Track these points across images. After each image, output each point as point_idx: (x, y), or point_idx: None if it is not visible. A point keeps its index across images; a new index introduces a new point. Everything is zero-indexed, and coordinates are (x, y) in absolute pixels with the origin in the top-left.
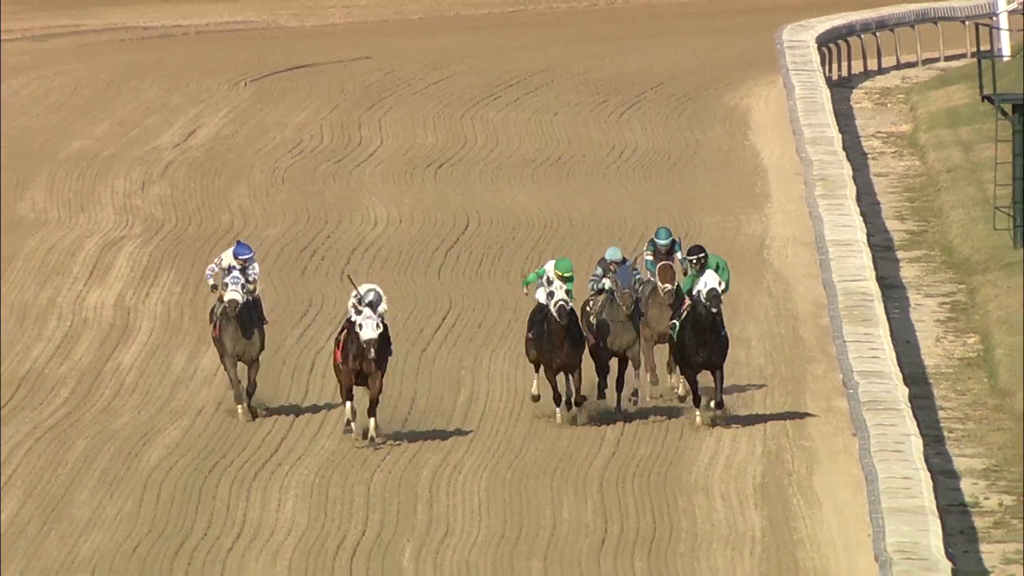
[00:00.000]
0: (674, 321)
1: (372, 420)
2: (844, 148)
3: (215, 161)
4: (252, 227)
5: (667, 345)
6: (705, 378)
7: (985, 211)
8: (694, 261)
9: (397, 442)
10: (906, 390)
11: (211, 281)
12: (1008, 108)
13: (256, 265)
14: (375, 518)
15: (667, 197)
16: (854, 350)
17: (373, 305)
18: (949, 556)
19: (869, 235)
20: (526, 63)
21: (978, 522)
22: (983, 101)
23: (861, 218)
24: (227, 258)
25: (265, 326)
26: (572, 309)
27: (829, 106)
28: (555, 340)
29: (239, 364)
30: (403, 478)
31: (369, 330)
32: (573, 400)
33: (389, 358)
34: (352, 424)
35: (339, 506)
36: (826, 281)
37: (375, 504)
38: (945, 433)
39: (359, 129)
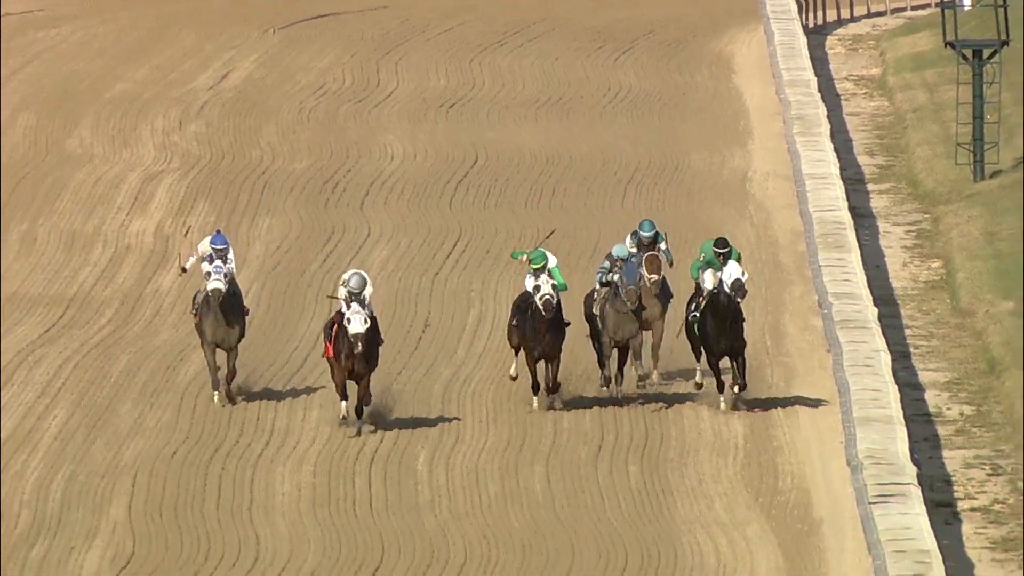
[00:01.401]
0: (694, 313)
1: (359, 420)
2: (819, 90)
3: (246, 102)
4: (280, 162)
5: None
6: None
7: (947, 147)
8: (720, 253)
9: (411, 359)
10: (875, 310)
11: (187, 265)
12: (968, 53)
13: (231, 255)
14: (392, 427)
15: (658, 135)
16: (828, 274)
17: (358, 292)
18: (914, 461)
19: (842, 169)
20: (530, 13)
21: (941, 430)
22: (946, 47)
23: (835, 154)
24: (204, 246)
25: (247, 316)
26: (558, 301)
27: (806, 51)
28: (538, 330)
29: (218, 352)
30: (417, 390)
31: (357, 324)
32: (550, 386)
33: (380, 347)
34: (347, 418)
35: None
36: (803, 211)
37: (392, 413)
38: (911, 349)
39: (377, 73)
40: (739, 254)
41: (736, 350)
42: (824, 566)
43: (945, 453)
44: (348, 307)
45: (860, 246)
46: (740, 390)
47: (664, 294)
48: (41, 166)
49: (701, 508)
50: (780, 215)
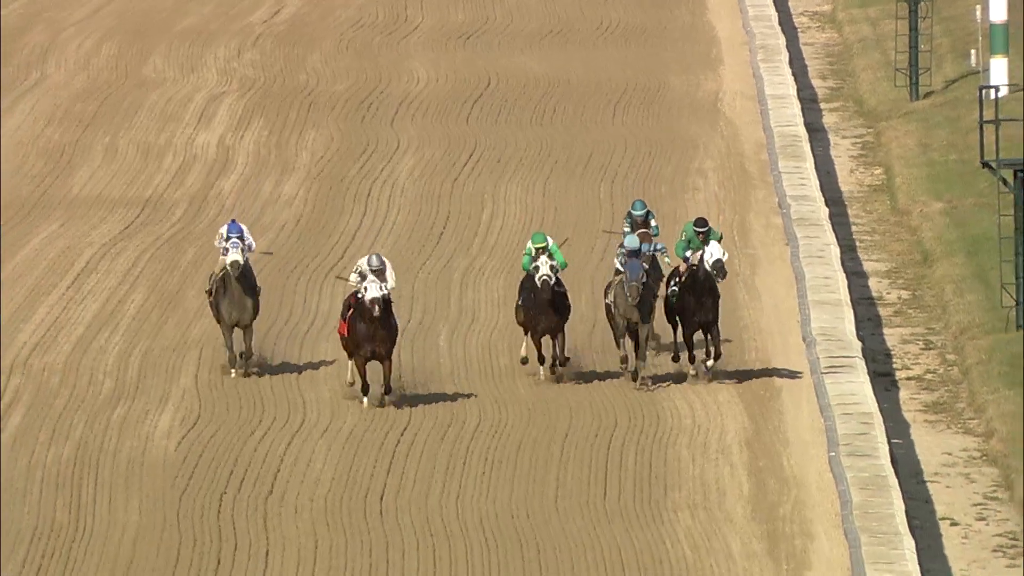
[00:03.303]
0: (673, 288)
1: (386, 397)
2: (779, 24)
3: (294, 34)
4: (323, 85)
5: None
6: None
7: (888, 72)
8: (700, 232)
9: (433, 252)
10: (827, 210)
11: (219, 245)
12: None
13: (250, 239)
14: (418, 309)
15: (643, 61)
16: (787, 179)
17: (380, 269)
18: (859, 337)
19: (798, 91)
20: None
21: (882, 312)
22: None
23: (792, 77)
24: (224, 232)
25: (259, 295)
26: (558, 281)
27: None
28: (540, 307)
29: (235, 330)
30: (439, 278)
31: (374, 290)
32: (558, 361)
33: (396, 337)
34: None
35: None
36: (765, 126)
37: (418, 298)
38: (856, 243)
39: (405, 9)
40: (720, 234)
41: (709, 323)
42: (783, 426)
43: (885, 331)
44: (364, 278)
45: (814, 156)
46: (715, 359)
47: (655, 270)
48: (121, 88)
49: (679, 378)
50: (746, 130)
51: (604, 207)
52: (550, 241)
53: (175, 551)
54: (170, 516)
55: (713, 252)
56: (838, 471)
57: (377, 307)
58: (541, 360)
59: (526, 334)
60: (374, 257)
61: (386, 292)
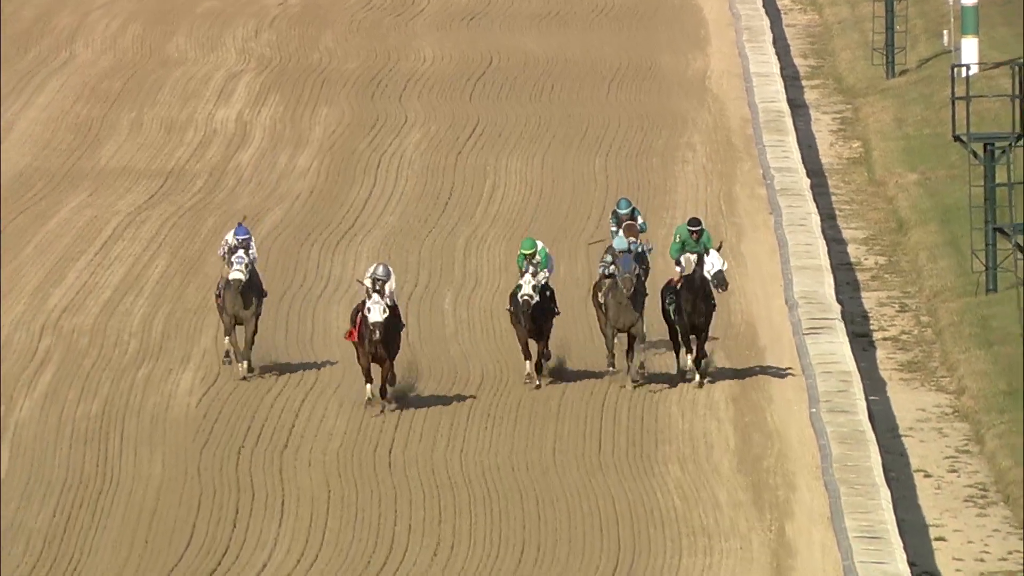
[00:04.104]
0: (671, 296)
1: (385, 402)
2: (764, 6)
3: (308, 15)
4: (335, 63)
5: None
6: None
7: (865, 52)
8: (693, 231)
9: (439, 221)
10: (808, 181)
11: (223, 254)
12: None
13: (253, 245)
14: (424, 273)
15: (636, 42)
16: (771, 152)
17: (382, 282)
18: (839, 300)
19: (781, 69)
20: None
21: (860, 276)
22: None
23: (776, 56)
24: (230, 238)
25: (263, 299)
26: (543, 296)
27: None
28: (525, 318)
29: (237, 327)
30: (444, 245)
31: (376, 314)
32: (542, 358)
33: (401, 333)
34: (371, 400)
35: (398, 265)
36: (750, 102)
37: (424, 263)
38: (836, 212)
39: None
40: (720, 243)
41: (699, 327)
42: (767, 384)
43: (863, 294)
44: (370, 297)
45: (796, 130)
46: (701, 357)
47: (641, 261)
48: (146, 66)
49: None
50: (732, 105)
51: (599, 179)
52: (539, 245)
53: (196, 501)
54: (191, 468)
55: (714, 263)
56: (819, 426)
57: (378, 332)
58: (527, 356)
59: (524, 347)
60: (380, 267)
61: (387, 314)
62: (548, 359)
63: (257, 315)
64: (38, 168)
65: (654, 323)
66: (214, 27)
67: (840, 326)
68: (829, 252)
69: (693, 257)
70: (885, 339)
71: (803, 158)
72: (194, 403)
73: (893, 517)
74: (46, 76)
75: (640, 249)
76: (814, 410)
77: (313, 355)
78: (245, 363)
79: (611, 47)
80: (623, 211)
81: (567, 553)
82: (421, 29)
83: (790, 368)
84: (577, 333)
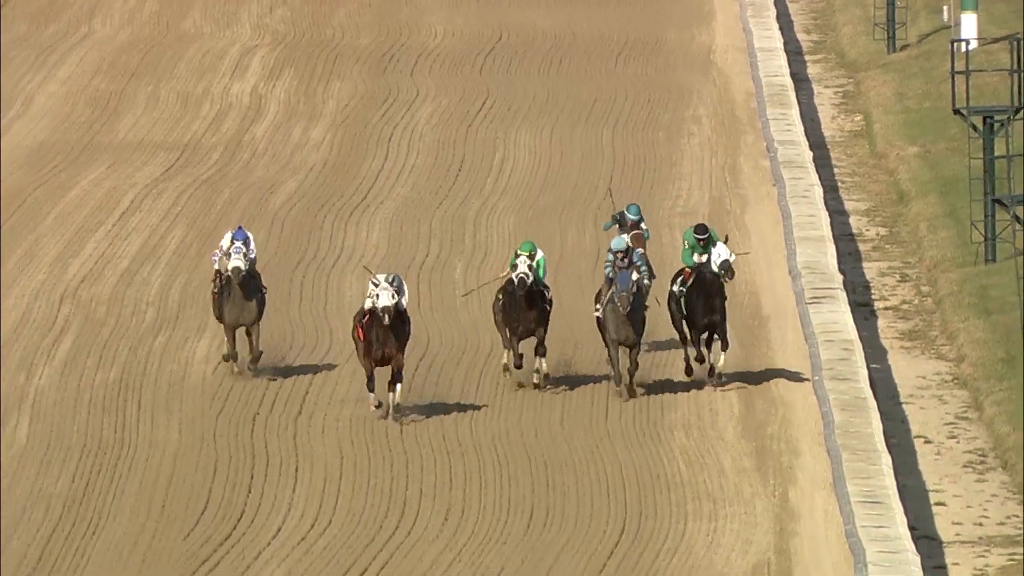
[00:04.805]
0: (681, 289)
1: (392, 394)
2: None
3: None
4: (348, 38)
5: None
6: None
7: (867, 27)
8: (700, 239)
9: (449, 193)
10: (811, 153)
11: (216, 265)
12: None
13: (253, 245)
14: (435, 244)
15: (642, 17)
16: (774, 125)
17: (396, 287)
18: (841, 270)
19: (785, 43)
20: None
21: (861, 247)
22: None
23: (779, 32)
24: (226, 241)
25: (264, 296)
26: (536, 282)
27: None
28: (519, 307)
29: (238, 332)
30: (454, 216)
31: (385, 298)
32: (537, 356)
33: (407, 341)
34: (379, 408)
35: (410, 235)
36: (754, 76)
37: (435, 234)
38: (838, 184)
39: None
40: (727, 236)
41: (715, 323)
42: (771, 352)
43: (864, 264)
44: (376, 285)
45: (799, 103)
46: (723, 348)
47: (648, 271)
48: (163, 42)
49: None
50: (737, 79)
51: (606, 151)
52: (540, 253)
53: (212, 467)
54: (207, 435)
55: (720, 253)
56: (821, 393)
57: (388, 315)
58: (519, 365)
59: (503, 337)
60: (396, 279)
61: (397, 300)
62: (544, 355)
63: (258, 315)
64: (57, 141)
65: (661, 326)
66: (229, 3)
67: (842, 295)
68: (831, 223)
69: (703, 256)
70: (886, 308)
71: (806, 131)
72: (210, 371)
73: (894, 482)
74: (65, 51)
75: (639, 264)
76: (816, 378)
77: (327, 324)
78: (245, 370)
79: (618, 22)
80: (632, 217)
81: (575, 517)
82: (432, 5)
83: (793, 336)
84: (585, 304)
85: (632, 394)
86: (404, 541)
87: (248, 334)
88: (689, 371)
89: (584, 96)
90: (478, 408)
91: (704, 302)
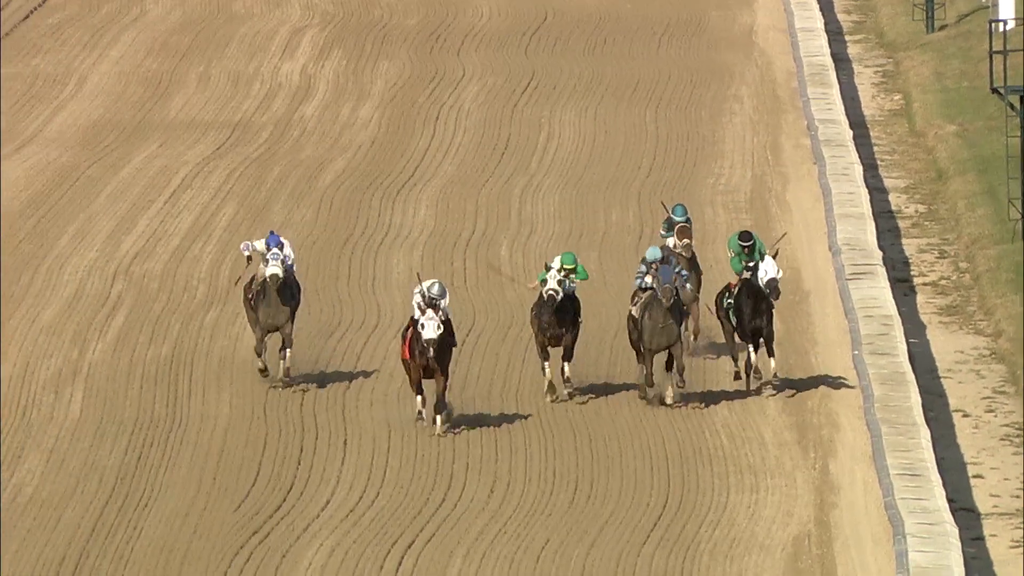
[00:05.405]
0: (730, 301)
1: (438, 417)
2: None
3: None
4: (396, 19)
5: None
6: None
7: (906, 7)
8: (744, 246)
9: (495, 171)
10: (851, 132)
11: (246, 253)
12: None
13: (289, 249)
14: (481, 221)
15: None
16: (815, 104)
17: (436, 301)
18: (880, 247)
19: (825, 24)
20: None
21: (900, 224)
22: None
23: (820, 12)
24: (260, 246)
25: (298, 301)
26: (568, 295)
27: None
28: (551, 320)
29: (269, 335)
30: (500, 193)
31: (430, 330)
32: (566, 377)
33: (453, 350)
34: (423, 413)
35: (457, 213)
36: (795, 56)
37: (481, 211)
38: (878, 162)
39: None
40: (764, 245)
41: (761, 328)
42: (811, 327)
43: (904, 241)
44: (423, 313)
45: (839, 83)
46: (769, 355)
47: (695, 267)
48: (213, 22)
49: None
50: (778, 59)
51: (649, 130)
52: (579, 263)
53: (262, 440)
54: (257, 409)
55: (768, 271)
56: (861, 368)
57: (431, 349)
58: (544, 359)
59: (540, 354)
60: (436, 286)
61: (441, 330)
62: (569, 360)
63: (292, 321)
64: (110, 120)
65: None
66: None
67: (881, 272)
68: (871, 200)
69: (750, 265)
70: (925, 284)
71: (846, 110)
72: None
73: (932, 455)
74: (118, 31)
75: (676, 272)
76: (856, 352)
77: (374, 299)
78: (282, 368)
79: (661, 4)
80: (678, 218)
81: (619, 489)
82: None
83: (833, 312)
84: (628, 279)
85: (676, 399)
86: (451, 513)
87: (282, 338)
88: (737, 376)
89: (627, 76)
90: (523, 382)
91: (752, 305)
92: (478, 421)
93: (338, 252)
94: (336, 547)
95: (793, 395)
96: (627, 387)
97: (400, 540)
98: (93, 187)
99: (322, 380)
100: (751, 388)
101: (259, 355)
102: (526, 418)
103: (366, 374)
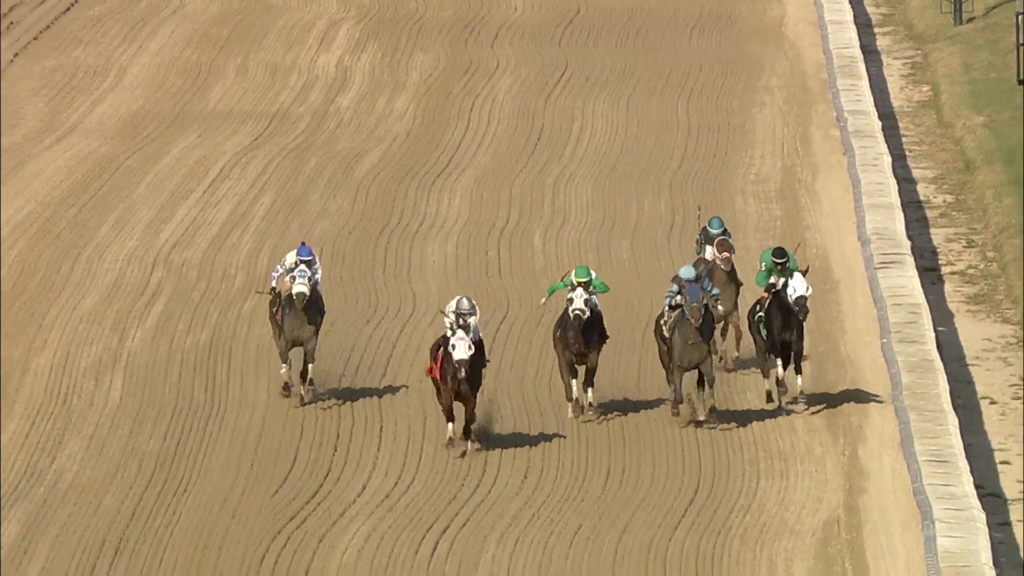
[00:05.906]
0: (761, 315)
1: (468, 443)
2: None
3: None
4: (430, 12)
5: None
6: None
7: (934, 0)
8: (779, 263)
9: (529, 161)
10: (879, 123)
11: (274, 283)
12: None
13: (318, 264)
14: (515, 211)
15: None
16: (844, 95)
17: (467, 318)
18: (909, 237)
19: (855, 16)
20: None
21: (929, 213)
22: None
23: (849, 5)
24: (290, 258)
25: (323, 317)
26: (593, 313)
27: None
28: (575, 338)
29: (293, 348)
30: (533, 183)
31: (461, 351)
32: (589, 402)
33: (484, 370)
34: (454, 441)
35: (491, 202)
36: (825, 48)
37: (515, 201)
38: (906, 152)
39: None
40: (797, 262)
41: (791, 342)
42: (840, 316)
43: (932, 231)
44: (454, 332)
45: (868, 75)
46: (796, 372)
47: (734, 279)
48: (251, 15)
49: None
50: (808, 51)
51: (681, 120)
52: (593, 275)
53: (299, 426)
54: (295, 395)
55: (796, 288)
56: (889, 355)
57: (463, 370)
58: (568, 395)
59: (562, 371)
60: (464, 300)
61: (472, 351)
62: (591, 386)
63: (316, 336)
64: (150, 110)
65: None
66: None
67: (910, 261)
68: (899, 190)
69: (780, 279)
70: (953, 273)
71: (875, 101)
72: None
73: (960, 442)
74: (158, 23)
75: (706, 289)
76: (885, 340)
77: (410, 289)
78: (306, 388)
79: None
80: (715, 231)
81: (651, 476)
82: None
83: (862, 300)
84: (660, 269)
85: (710, 418)
86: (485, 499)
87: (304, 354)
88: (769, 398)
89: (659, 67)
90: (556, 371)
91: (782, 319)
92: (512, 408)
93: (374, 241)
94: (372, 532)
95: (819, 410)
96: (657, 376)
97: (435, 525)
98: (133, 177)
99: (358, 367)
100: (781, 404)
101: (284, 362)
102: (559, 405)
103: (401, 361)
